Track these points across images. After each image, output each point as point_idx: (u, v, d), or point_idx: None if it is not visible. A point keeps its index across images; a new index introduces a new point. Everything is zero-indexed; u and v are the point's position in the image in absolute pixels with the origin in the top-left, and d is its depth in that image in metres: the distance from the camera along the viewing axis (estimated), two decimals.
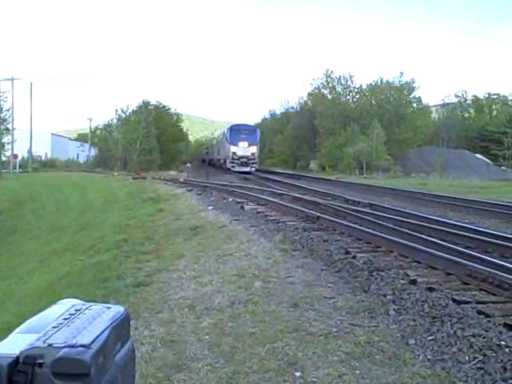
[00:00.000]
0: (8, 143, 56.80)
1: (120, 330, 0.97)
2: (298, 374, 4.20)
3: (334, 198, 18.73)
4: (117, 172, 46.68)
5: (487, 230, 10.62)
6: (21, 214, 26.47)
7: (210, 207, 15.93)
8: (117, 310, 1.01)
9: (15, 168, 57.98)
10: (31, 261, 15.56)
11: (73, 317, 0.95)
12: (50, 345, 0.86)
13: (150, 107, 63.97)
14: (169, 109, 71.63)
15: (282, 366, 4.36)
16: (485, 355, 4.32)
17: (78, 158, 74.87)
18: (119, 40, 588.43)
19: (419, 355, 4.47)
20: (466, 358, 4.33)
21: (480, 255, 7.66)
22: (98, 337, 0.88)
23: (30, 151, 59.97)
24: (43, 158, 71.19)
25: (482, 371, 4.09)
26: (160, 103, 68.89)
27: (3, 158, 57.30)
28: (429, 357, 4.42)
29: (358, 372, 4.20)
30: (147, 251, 10.45)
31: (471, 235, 9.79)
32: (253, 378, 4.19)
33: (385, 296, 6.09)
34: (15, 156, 58.57)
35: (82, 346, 0.85)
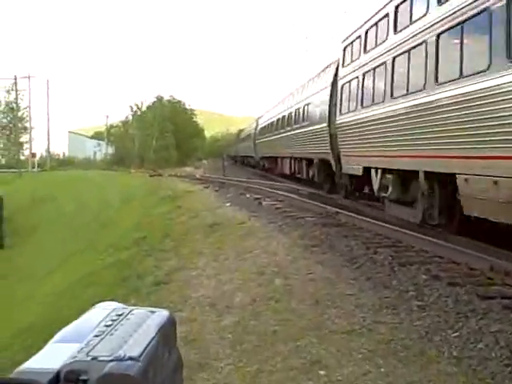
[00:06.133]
0: (26, 142, 57.39)
1: (167, 337, 0.87)
2: (322, 372, 4.16)
3: None
4: (134, 170, 46.81)
5: None
6: (40, 214, 26.65)
7: (228, 203, 15.89)
8: (162, 314, 0.90)
9: (33, 167, 58.40)
10: (51, 260, 15.69)
11: (115, 323, 0.85)
12: (94, 358, 0.75)
13: (164, 102, 63.94)
14: (184, 104, 71.13)
15: (306, 364, 4.32)
16: None
17: (95, 155, 75.27)
18: (134, 35, 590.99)
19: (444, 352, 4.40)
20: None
21: None
22: (146, 347, 0.78)
23: (47, 150, 60.54)
24: (61, 156, 71.73)
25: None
26: (174, 98, 68.60)
27: (21, 157, 57.87)
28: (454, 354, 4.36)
29: (382, 370, 4.15)
30: (166, 249, 10.46)
31: None
32: (277, 376, 4.15)
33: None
34: (33, 155, 59.04)
35: (131, 358, 0.75)
